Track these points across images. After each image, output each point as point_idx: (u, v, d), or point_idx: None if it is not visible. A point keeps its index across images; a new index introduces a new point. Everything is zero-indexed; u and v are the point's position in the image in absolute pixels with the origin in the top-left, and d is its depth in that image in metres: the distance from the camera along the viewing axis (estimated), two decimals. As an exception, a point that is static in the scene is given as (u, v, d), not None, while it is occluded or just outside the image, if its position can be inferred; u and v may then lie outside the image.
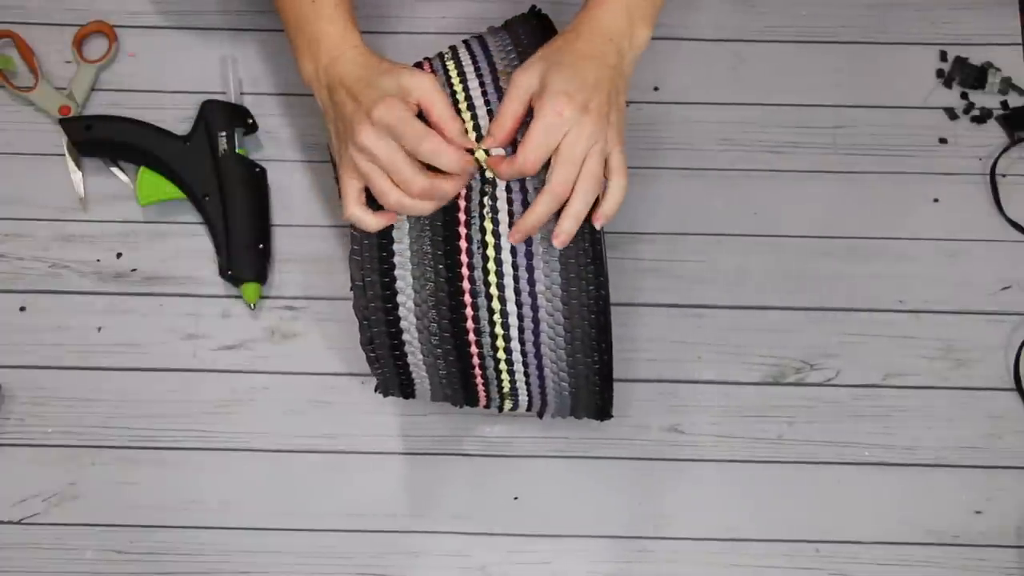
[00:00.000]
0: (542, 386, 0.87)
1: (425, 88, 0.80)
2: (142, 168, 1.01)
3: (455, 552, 0.95)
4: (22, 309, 1.00)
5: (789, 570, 0.95)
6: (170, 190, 1.01)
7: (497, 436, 0.98)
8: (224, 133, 1.01)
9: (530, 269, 0.81)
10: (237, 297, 1.01)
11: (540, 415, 0.92)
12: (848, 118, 1.07)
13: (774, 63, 1.09)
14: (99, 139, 1.02)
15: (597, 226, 0.81)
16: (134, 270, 1.02)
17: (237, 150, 1.00)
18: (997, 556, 0.95)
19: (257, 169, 1.02)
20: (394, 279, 0.83)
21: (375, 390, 0.91)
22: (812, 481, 0.97)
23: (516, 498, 0.96)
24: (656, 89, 1.08)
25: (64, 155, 1.03)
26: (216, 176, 1.00)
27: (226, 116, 1.02)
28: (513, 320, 0.82)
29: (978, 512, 0.96)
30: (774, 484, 0.97)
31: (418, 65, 0.89)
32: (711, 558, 0.95)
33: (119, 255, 1.02)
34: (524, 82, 0.81)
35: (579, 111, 0.79)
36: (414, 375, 0.87)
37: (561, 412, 0.91)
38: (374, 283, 0.83)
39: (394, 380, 0.88)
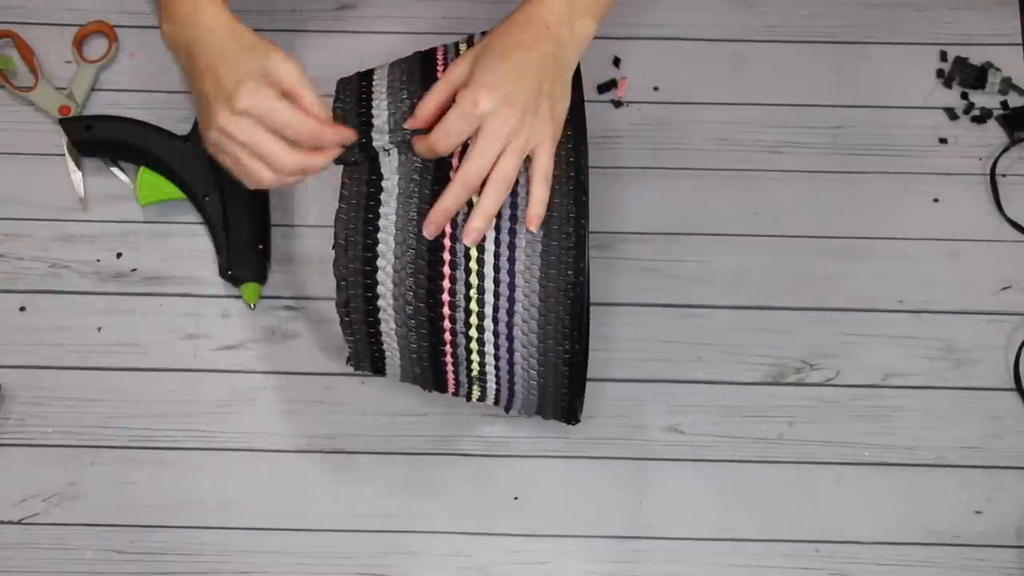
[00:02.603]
0: (511, 372, 0.86)
1: (292, 76, 0.80)
2: (142, 168, 1.01)
3: (455, 552, 0.95)
4: (22, 309, 1.00)
5: (789, 570, 0.95)
6: (170, 190, 1.01)
7: (497, 436, 0.98)
8: None
9: (512, 247, 0.81)
10: (237, 297, 1.01)
11: (507, 409, 0.92)
12: (848, 118, 1.07)
13: (774, 63, 1.09)
14: (99, 139, 1.02)
15: (532, 229, 0.81)
16: (134, 270, 1.02)
17: None
18: (997, 556, 0.95)
19: None
20: (376, 242, 0.83)
21: (346, 362, 0.91)
22: (812, 481, 0.97)
23: (516, 498, 0.96)
24: (656, 89, 1.08)
25: (64, 155, 1.03)
26: (216, 176, 1.00)
27: None
28: (489, 297, 0.82)
29: (978, 512, 0.96)
30: (774, 484, 0.97)
31: (433, 50, 0.89)
32: (711, 558, 0.95)
33: (119, 255, 1.02)
34: (455, 73, 0.81)
35: (499, 103, 0.78)
36: (385, 346, 0.87)
37: (527, 409, 0.91)
38: (356, 243, 0.83)
39: (365, 350, 0.88)
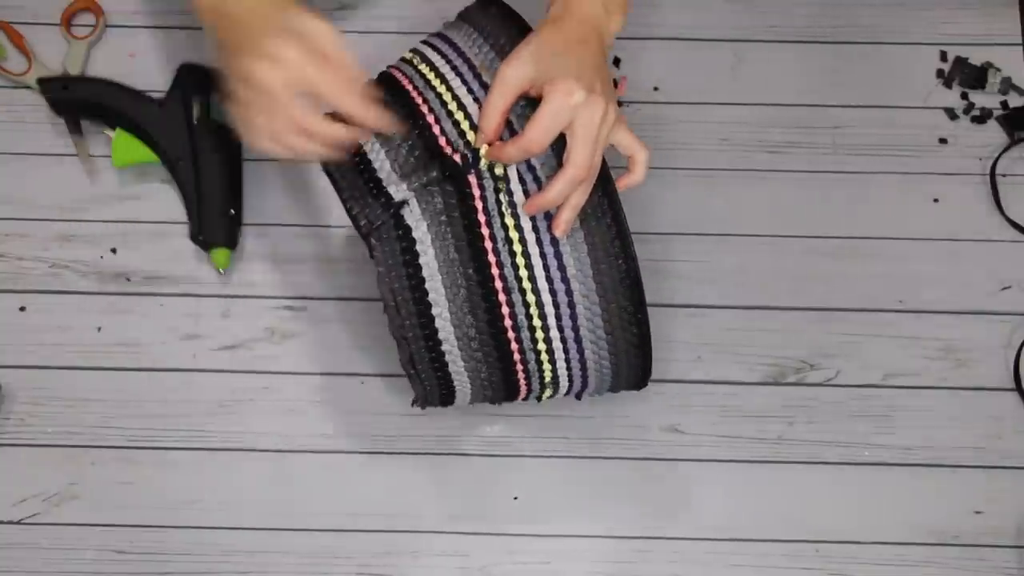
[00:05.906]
0: (583, 369, 0.86)
1: (327, 36, 0.77)
2: (118, 130, 1.01)
3: (455, 552, 0.95)
4: (22, 309, 1.00)
5: (789, 570, 0.95)
6: (144, 153, 1.01)
7: (497, 436, 0.98)
8: (200, 99, 1.00)
9: (558, 256, 0.81)
10: (237, 297, 1.01)
11: (579, 397, 0.92)
12: (848, 118, 1.07)
13: (774, 63, 1.09)
14: (75, 99, 1.02)
15: (558, 234, 0.80)
16: (134, 270, 1.02)
17: (213, 116, 1.00)
18: (997, 556, 0.95)
19: (232, 135, 1.01)
20: (426, 292, 0.82)
21: (412, 404, 0.90)
22: (812, 481, 0.97)
23: (516, 498, 0.96)
24: (656, 89, 1.08)
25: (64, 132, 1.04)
26: (190, 141, 0.99)
27: (203, 81, 1.01)
28: (549, 309, 0.82)
29: (978, 512, 0.96)
30: (774, 484, 0.97)
31: (385, 74, 0.87)
32: (711, 558, 0.95)
33: (119, 254, 1.02)
34: (512, 75, 0.80)
35: (588, 92, 0.78)
36: (455, 384, 0.87)
37: (599, 390, 0.91)
38: (406, 300, 0.82)
39: (434, 392, 0.88)
